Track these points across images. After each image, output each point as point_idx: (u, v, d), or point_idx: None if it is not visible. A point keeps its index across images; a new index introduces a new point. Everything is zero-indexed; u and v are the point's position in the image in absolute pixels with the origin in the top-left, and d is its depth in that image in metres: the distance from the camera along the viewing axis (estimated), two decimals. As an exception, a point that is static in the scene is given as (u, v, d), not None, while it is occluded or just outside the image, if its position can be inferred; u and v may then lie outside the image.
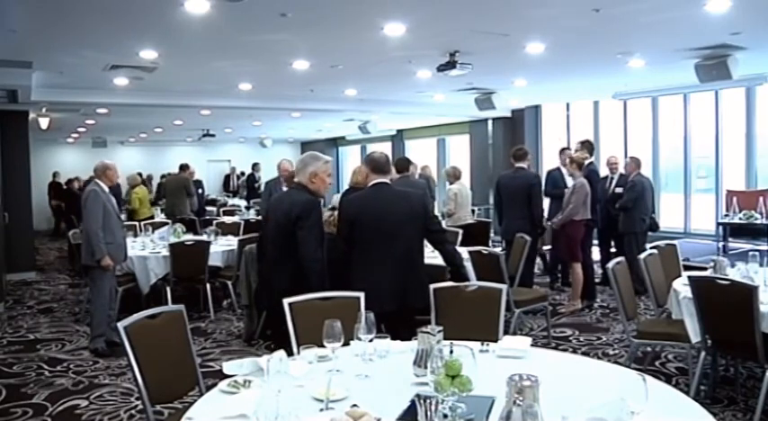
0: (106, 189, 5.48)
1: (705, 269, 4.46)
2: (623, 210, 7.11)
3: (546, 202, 7.93)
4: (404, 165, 7.18)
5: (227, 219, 9.57)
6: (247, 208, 13.22)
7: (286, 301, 3.07)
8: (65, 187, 15.33)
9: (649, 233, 7.30)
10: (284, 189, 6.66)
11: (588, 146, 7.45)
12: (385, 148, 17.85)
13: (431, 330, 2.35)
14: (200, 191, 12.38)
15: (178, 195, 10.13)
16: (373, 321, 2.50)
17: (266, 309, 4.21)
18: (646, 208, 7.14)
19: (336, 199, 5.37)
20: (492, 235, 7.79)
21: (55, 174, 16.20)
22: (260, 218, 7.98)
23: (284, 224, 3.57)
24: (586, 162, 6.78)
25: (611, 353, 5.19)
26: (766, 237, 8.71)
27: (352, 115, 12.95)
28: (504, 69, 8.24)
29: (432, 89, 9.81)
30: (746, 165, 9.76)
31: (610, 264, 4.19)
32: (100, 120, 12.45)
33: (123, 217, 6.21)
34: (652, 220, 7.37)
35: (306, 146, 20.76)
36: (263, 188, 16.34)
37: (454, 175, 8.05)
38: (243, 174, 17.58)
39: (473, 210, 8.00)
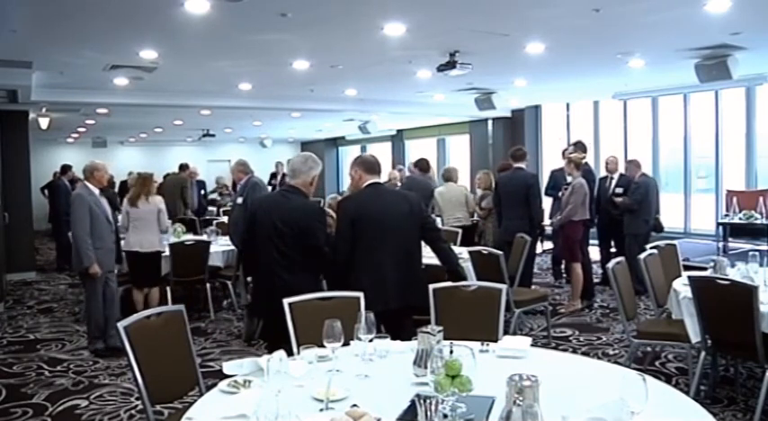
0: (96, 191, 5.28)
1: (705, 269, 4.46)
2: (629, 211, 7.06)
3: (548, 202, 7.97)
4: (426, 164, 8.41)
5: (227, 219, 9.55)
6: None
7: (286, 301, 3.07)
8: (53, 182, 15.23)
9: (652, 233, 7.28)
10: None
11: (581, 146, 7.47)
12: (385, 148, 17.87)
13: (431, 330, 2.35)
14: (201, 191, 12.36)
15: (176, 195, 10.13)
16: (373, 321, 2.51)
17: (268, 315, 3.87)
18: (650, 209, 7.11)
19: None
20: (476, 239, 7.77)
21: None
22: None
23: (291, 230, 3.52)
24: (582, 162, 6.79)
25: (611, 353, 5.19)
26: (766, 237, 8.71)
27: (352, 115, 12.95)
28: (504, 69, 8.24)
29: (432, 89, 9.81)
30: (746, 165, 9.76)
31: (610, 264, 4.18)
32: (100, 120, 12.45)
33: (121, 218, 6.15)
34: (656, 221, 7.35)
35: (306, 146, 20.76)
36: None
37: (443, 177, 8.17)
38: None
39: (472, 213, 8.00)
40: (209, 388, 2.44)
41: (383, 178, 4.52)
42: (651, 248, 4.84)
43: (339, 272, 3.61)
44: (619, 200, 7.21)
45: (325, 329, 2.42)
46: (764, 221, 8.70)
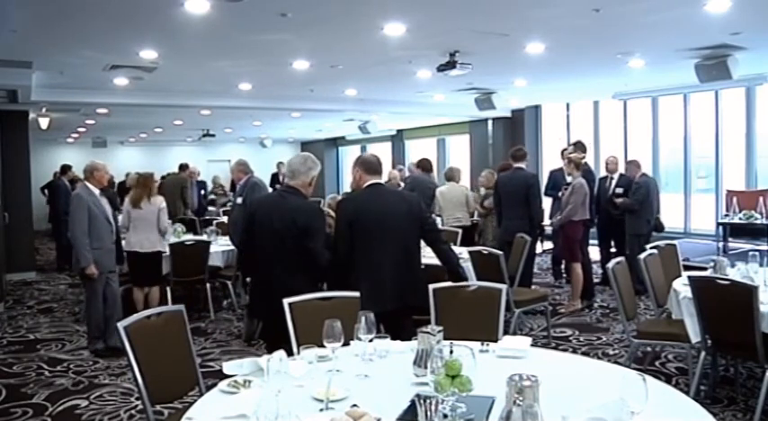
0: (96, 190, 5.27)
1: (705, 269, 4.46)
2: (630, 211, 7.06)
3: (548, 202, 7.97)
4: (429, 164, 8.52)
5: (227, 219, 9.55)
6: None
7: (286, 301, 3.07)
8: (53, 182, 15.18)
9: (653, 233, 7.28)
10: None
11: (581, 146, 7.47)
12: (385, 148, 17.86)
13: (431, 330, 2.35)
14: (202, 191, 12.36)
15: (176, 195, 10.14)
16: (373, 321, 2.50)
17: (266, 316, 3.79)
18: (651, 209, 7.10)
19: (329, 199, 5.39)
20: (476, 238, 7.80)
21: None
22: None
23: (290, 231, 3.48)
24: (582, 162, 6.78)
25: (611, 353, 5.19)
26: (766, 237, 8.71)
27: (352, 115, 12.95)
28: (504, 69, 8.24)
29: (432, 89, 9.81)
30: (746, 165, 9.76)
31: (610, 264, 4.18)
32: (100, 120, 12.45)
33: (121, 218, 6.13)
34: (657, 221, 7.34)
35: (306, 146, 20.76)
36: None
37: (445, 176, 8.23)
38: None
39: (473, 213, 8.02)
40: (209, 388, 2.44)
41: (383, 178, 4.51)
42: (651, 248, 4.84)
43: (339, 272, 3.60)
44: (619, 200, 7.21)
45: (325, 329, 2.41)
46: (764, 221, 8.70)
